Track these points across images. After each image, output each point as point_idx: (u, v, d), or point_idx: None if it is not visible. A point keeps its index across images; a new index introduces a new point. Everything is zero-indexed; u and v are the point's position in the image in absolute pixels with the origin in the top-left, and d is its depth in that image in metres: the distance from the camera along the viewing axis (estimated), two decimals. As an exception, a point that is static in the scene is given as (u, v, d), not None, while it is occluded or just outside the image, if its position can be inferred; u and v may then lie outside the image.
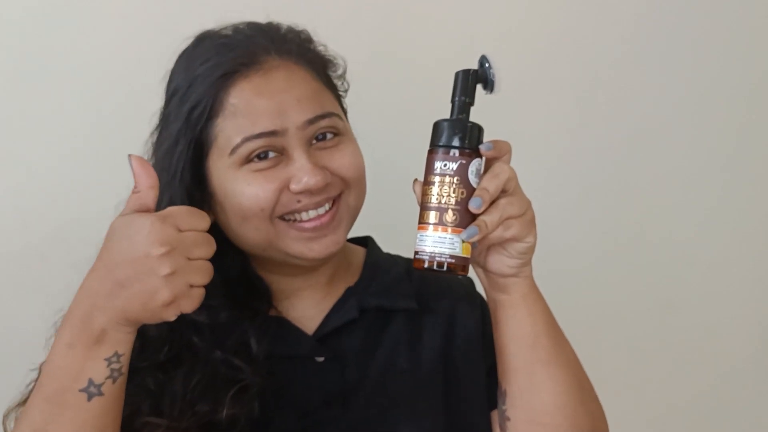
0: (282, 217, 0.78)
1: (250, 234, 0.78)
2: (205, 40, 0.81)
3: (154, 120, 0.83)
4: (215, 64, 0.77)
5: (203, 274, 0.66)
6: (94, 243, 0.83)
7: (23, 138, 1.14)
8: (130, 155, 0.68)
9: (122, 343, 0.66)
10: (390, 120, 1.23)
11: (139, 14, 1.17)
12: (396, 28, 1.28)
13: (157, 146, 0.81)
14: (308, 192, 0.76)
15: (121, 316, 0.65)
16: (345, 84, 0.87)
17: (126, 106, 1.10)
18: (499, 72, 0.69)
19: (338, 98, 0.84)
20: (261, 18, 0.83)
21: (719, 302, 1.46)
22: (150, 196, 0.67)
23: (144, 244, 0.63)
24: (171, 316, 0.65)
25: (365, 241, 0.95)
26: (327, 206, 0.79)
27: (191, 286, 0.65)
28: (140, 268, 0.63)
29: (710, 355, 1.47)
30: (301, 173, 0.75)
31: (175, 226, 0.64)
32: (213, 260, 0.81)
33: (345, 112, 0.86)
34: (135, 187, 0.68)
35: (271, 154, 0.76)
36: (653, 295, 1.43)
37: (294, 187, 0.75)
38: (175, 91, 0.79)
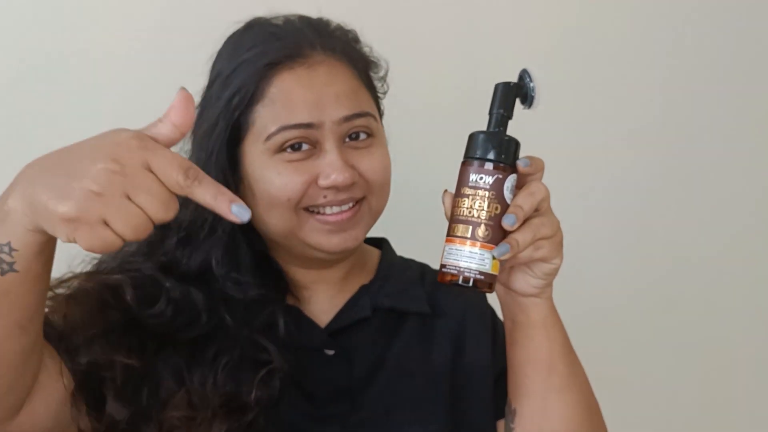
0: (306, 208, 0.79)
1: (274, 221, 0.79)
2: (254, 27, 0.82)
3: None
4: (261, 51, 0.77)
5: (129, 222, 0.55)
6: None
7: (23, 138, 1.13)
8: (183, 88, 0.59)
9: (19, 238, 0.58)
10: (391, 121, 1.23)
11: (141, 15, 1.16)
12: (396, 28, 1.28)
13: (197, 126, 0.81)
14: (335, 188, 0.77)
15: (29, 200, 0.57)
16: (385, 86, 0.87)
17: (127, 106, 1.10)
18: (540, 87, 0.68)
19: (376, 100, 0.85)
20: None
21: (719, 302, 1.46)
22: (167, 130, 0.58)
23: (101, 151, 0.55)
24: (61, 234, 0.55)
25: (380, 243, 0.96)
26: (350, 204, 0.80)
27: (105, 222, 0.54)
28: (75, 168, 0.55)
29: (710, 354, 1.47)
30: (330, 169, 0.76)
31: (145, 160, 0.55)
32: (243, 236, 0.81)
33: (381, 114, 0.87)
34: (163, 117, 0.58)
35: (305, 146, 0.77)
36: (653, 294, 1.43)
37: (322, 182, 0.77)
38: (219, 74, 0.80)
